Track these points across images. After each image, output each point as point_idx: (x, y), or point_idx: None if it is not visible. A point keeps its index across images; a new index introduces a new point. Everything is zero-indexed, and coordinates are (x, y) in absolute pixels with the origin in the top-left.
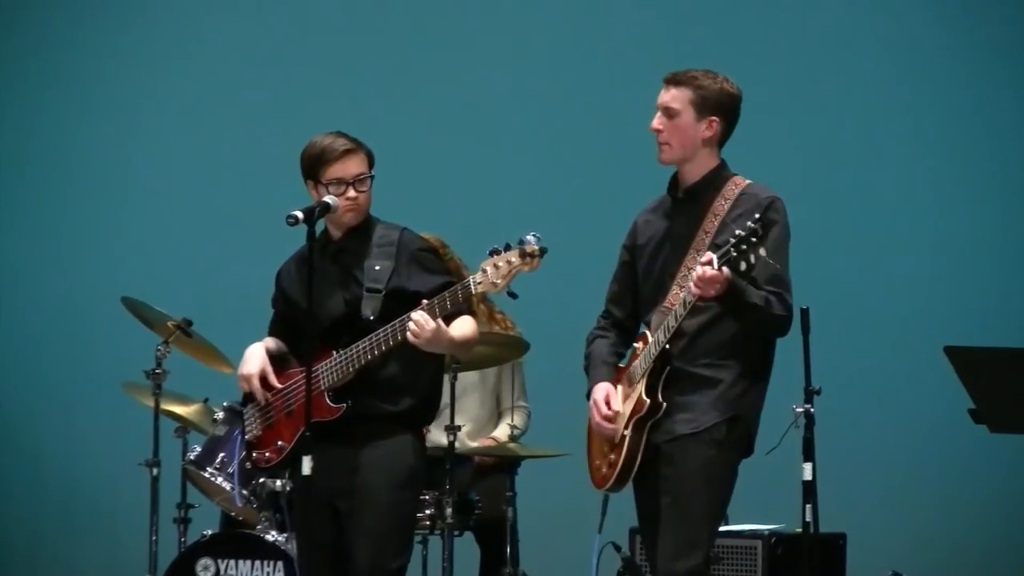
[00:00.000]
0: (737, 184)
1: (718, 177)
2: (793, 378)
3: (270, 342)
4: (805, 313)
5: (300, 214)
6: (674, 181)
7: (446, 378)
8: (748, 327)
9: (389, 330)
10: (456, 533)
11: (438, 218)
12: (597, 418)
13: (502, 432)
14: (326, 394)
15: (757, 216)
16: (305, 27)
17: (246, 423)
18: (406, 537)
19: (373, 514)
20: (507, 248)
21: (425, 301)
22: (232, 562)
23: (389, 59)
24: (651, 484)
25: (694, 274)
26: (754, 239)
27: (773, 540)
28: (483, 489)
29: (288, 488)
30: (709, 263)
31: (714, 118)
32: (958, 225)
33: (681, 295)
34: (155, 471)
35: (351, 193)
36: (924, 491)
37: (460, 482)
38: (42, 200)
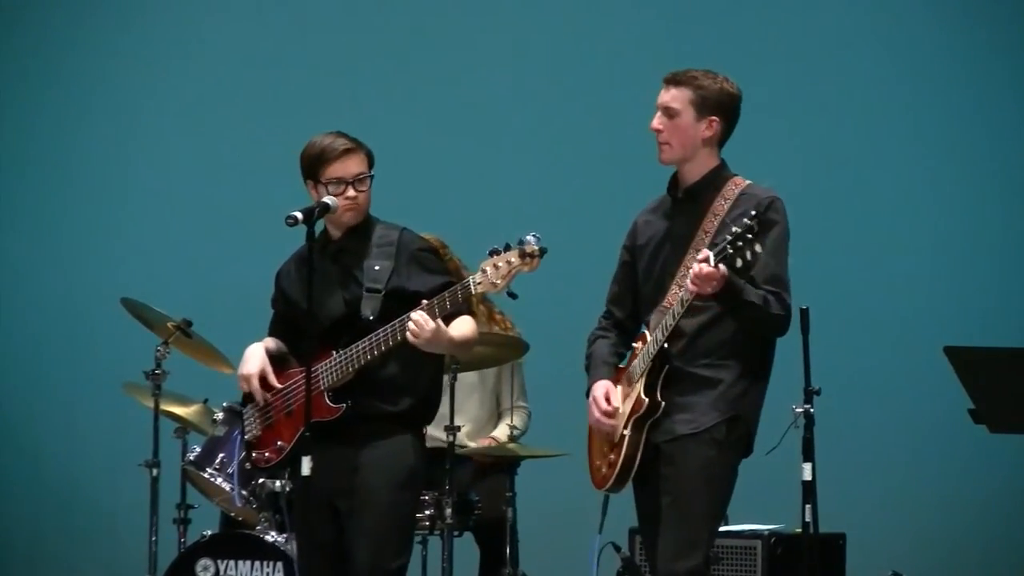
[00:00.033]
0: (737, 184)
1: (718, 177)
2: (793, 378)
3: (270, 342)
4: (805, 313)
5: (299, 215)
6: (674, 181)
7: (446, 378)
8: (746, 326)
9: (389, 330)
10: (456, 533)
11: (438, 218)
12: (597, 414)
13: (501, 432)
14: (326, 394)
15: (753, 213)
16: (305, 27)
17: (245, 423)
18: (406, 537)
19: (373, 514)
20: (507, 248)
21: (425, 301)
22: (232, 562)
23: (389, 59)
24: (651, 484)
25: (691, 271)
26: (750, 236)
27: (773, 540)
28: (483, 489)
29: (287, 488)
30: (706, 260)
31: (714, 118)
32: (958, 225)
33: (679, 294)
34: (155, 471)
35: (350, 193)
36: (924, 491)
37: (460, 482)
38: (42, 200)
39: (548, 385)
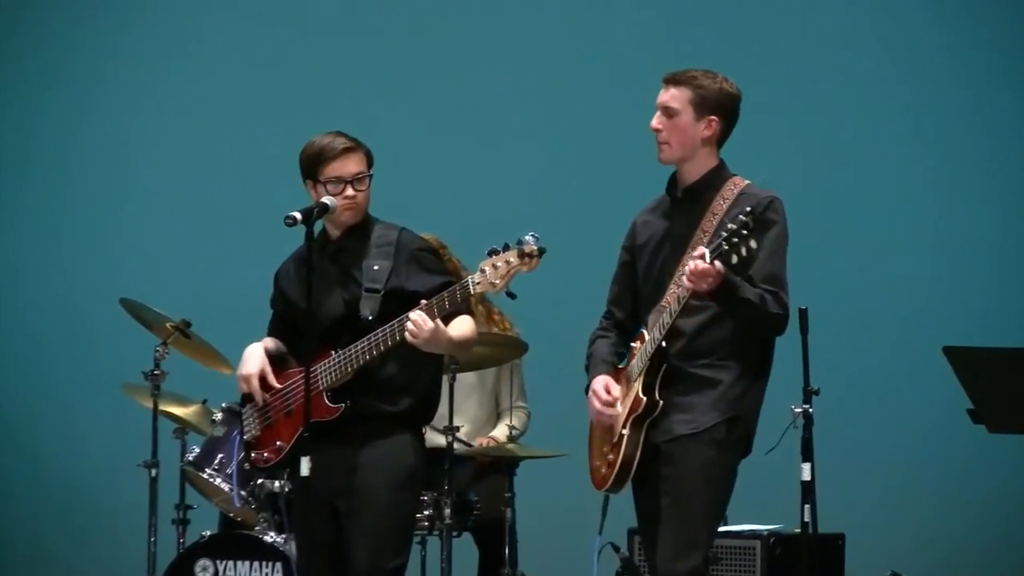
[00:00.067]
0: (736, 184)
1: (717, 177)
2: (792, 378)
3: (269, 342)
4: (804, 313)
5: (298, 215)
6: (673, 181)
7: (445, 379)
8: (743, 324)
9: (388, 330)
10: (455, 534)
11: (438, 218)
12: (597, 405)
13: (500, 433)
14: (325, 394)
15: (748, 208)
16: (305, 27)
17: (244, 423)
18: (405, 537)
19: (372, 514)
20: (505, 248)
21: (423, 301)
22: (231, 563)
23: (389, 59)
24: (651, 484)
25: (686, 268)
26: (745, 231)
27: (772, 540)
28: (482, 490)
29: (286, 489)
30: (701, 257)
31: (713, 118)
32: (958, 225)
33: (676, 292)
34: (154, 472)
35: (349, 192)
36: (923, 491)
37: (459, 482)
38: (42, 200)
39: (547, 385)
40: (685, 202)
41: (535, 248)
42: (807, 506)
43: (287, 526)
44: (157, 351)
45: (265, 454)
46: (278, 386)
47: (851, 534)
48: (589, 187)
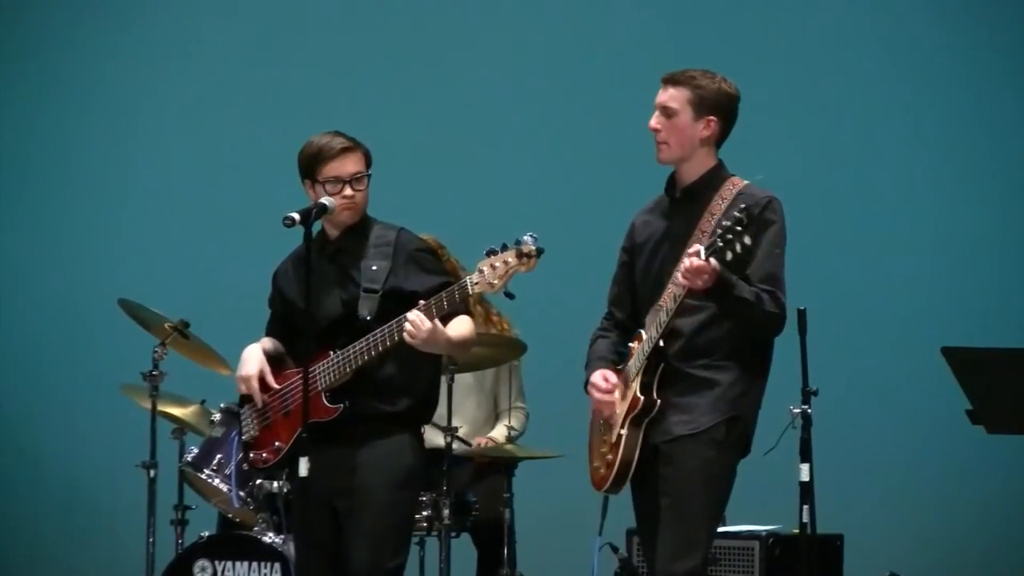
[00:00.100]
0: (735, 184)
1: (716, 177)
2: (791, 378)
3: (267, 343)
4: (802, 314)
5: (297, 216)
6: (671, 181)
7: (443, 379)
8: (740, 323)
9: (386, 330)
10: (453, 534)
11: (437, 218)
12: (597, 395)
13: (499, 433)
14: (323, 394)
15: (743, 206)
16: (305, 27)
17: (243, 424)
18: (404, 537)
19: (371, 514)
20: (504, 248)
21: (422, 301)
22: (229, 563)
23: (389, 59)
24: (649, 485)
25: (682, 266)
26: (739, 228)
27: (771, 541)
28: (480, 490)
29: (285, 489)
30: (696, 254)
31: (712, 118)
32: (958, 225)
33: (672, 290)
34: (152, 473)
35: (348, 191)
36: (923, 491)
37: (458, 483)
38: (42, 200)
39: (546, 386)
40: (684, 202)
41: (533, 248)
42: (806, 507)
43: (286, 527)
44: (156, 352)
45: (264, 455)
46: (277, 387)
47: (850, 535)
48: (588, 187)
